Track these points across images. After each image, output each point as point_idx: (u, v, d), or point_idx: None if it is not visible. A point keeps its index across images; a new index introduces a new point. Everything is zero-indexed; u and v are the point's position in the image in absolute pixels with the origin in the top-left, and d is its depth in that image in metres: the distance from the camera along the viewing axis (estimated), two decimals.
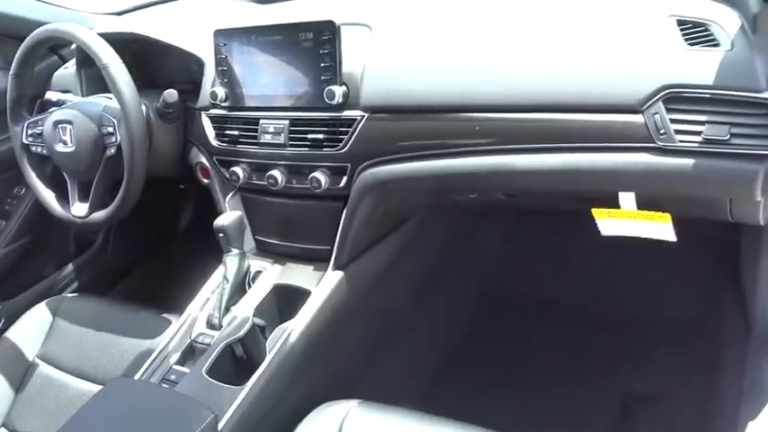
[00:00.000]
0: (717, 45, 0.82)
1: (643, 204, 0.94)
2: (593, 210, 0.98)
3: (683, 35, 0.85)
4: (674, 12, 0.87)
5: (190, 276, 1.32)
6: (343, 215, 1.13)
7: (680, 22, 0.86)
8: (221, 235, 1.18)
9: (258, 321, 1.13)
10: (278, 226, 1.24)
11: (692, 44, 0.84)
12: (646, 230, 0.96)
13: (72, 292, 1.60)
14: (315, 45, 1.07)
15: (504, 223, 1.49)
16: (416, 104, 1.02)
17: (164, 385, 1.05)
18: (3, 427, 1.24)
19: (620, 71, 0.86)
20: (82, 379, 1.24)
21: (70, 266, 1.69)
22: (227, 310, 1.16)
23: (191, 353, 1.12)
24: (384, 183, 1.07)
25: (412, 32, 1.07)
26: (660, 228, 0.95)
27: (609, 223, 0.98)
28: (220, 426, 0.94)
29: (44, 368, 1.29)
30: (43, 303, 1.41)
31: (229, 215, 1.20)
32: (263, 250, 1.27)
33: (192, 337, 1.14)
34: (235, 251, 1.19)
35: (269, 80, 1.15)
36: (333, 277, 1.15)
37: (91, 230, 1.68)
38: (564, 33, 0.94)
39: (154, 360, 1.12)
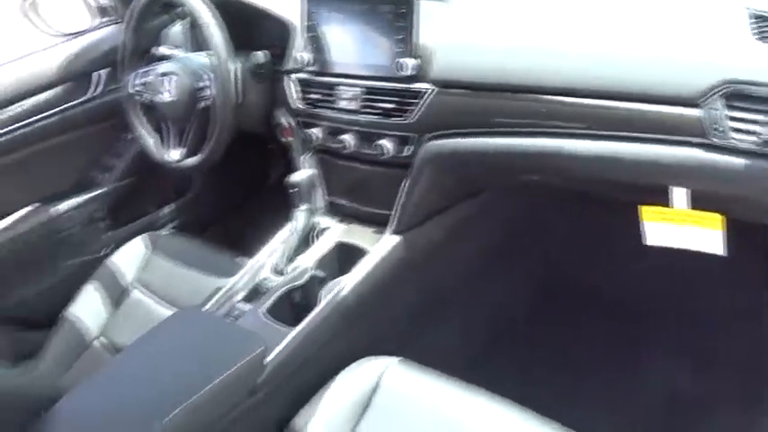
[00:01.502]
0: None
1: (695, 203, 0.92)
2: (642, 208, 0.97)
3: (755, 28, 0.82)
4: (750, 4, 0.84)
5: (269, 228, 1.43)
6: (406, 183, 1.19)
7: (754, 16, 0.83)
8: (294, 190, 1.28)
9: (318, 273, 1.22)
10: (346, 188, 1.32)
11: (763, 39, 0.81)
12: (694, 241, 0.94)
13: (168, 231, 1.76)
14: (392, 17, 1.12)
15: (568, 211, 1.48)
16: (485, 82, 1.05)
17: (226, 319, 1.17)
18: (102, 336, 1.42)
19: (682, 61, 0.85)
20: (167, 303, 1.39)
21: (168, 208, 1.86)
22: (292, 259, 1.26)
23: (255, 293, 1.23)
24: (446, 155, 1.12)
25: (485, 9, 1.10)
26: (710, 237, 0.92)
27: (656, 228, 0.97)
28: (267, 359, 1.04)
29: (137, 292, 1.46)
30: (144, 236, 1.58)
31: (303, 173, 1.29)
32: (332, 210, 1.36)
33: (258, 280, 1.25)
34: (304, 206, 1.29)
35: (350, 48, 1.22)
36: (390, 241, 1.21)
37: (186, 174, 1.84)
38: (633, 19, 0.93)
39: (222, 296, 1.24)
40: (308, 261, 1.24)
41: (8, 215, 1.62)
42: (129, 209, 1.79)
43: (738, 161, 0.81)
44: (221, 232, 1.84)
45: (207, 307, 1.22)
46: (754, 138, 0.79)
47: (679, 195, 0.91)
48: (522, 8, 1.07)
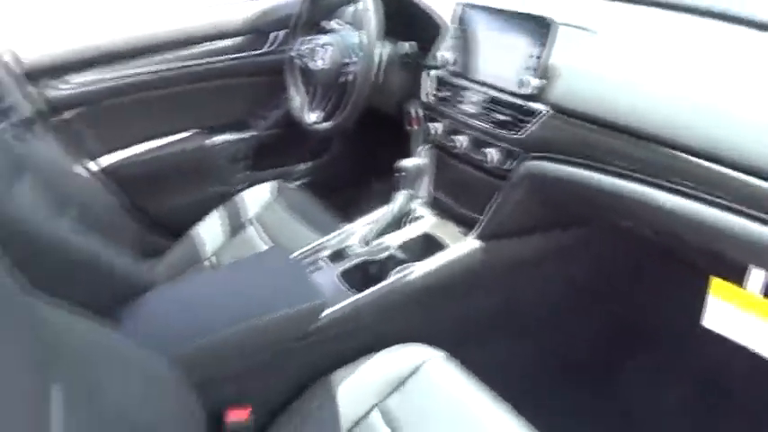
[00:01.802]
0: None
1: None
2: (713, 279, 0.92)
3: None
4: None
5: (377, 204, 1.53)
6: (500, 193, 1.22)
7: None
8: (401, 174, 1.36)
9: (397, 253, 1.30)
10: (449, 185, 1.38)
11: None
12: (748, 333, 0.88)
13: (295, 185, 1.93)
14: (531, 35, 1.16)
15: (660, 265, 1.41)
16: (602, 117, 1.05)
17: (304, 269, 1.29)
18: (213, 257, 1.60)
19: None
20: (270, 243, 1.54)
21: (303, 165, 2.04)
22: (380, 235, 1.35)
23: (338, 256, 1.34)
24: (545, 177, 1.14)
25: (630, 48, 1.09)
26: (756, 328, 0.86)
27: (718, 306, 0.91)
28: (324, 313, 1.14)
29: (252, 229, 1.63)
30: (273, 183, 1.75)
31: (413, 160, 1.37)
32: (431, 202, 1.43)
33: (344, 245, 1.35)
34: (405, 191, 1.37)
35: (486, 57, 1.27)
36: (471, 243, 1.26)
37: (324, 139, 1.99)
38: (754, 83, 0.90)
39: (310, 249, 1.36)
40: (392, 241, 1.33)
41: (172, 135, 1.88)
42: (268, 157, 1.99)
43: None
44: (339, 197, 1.97)
45: (294, 254, 1.34)
46: None
47: (756, 277, 0.87)
48: (666, 56, 1.05)
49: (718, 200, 0.87)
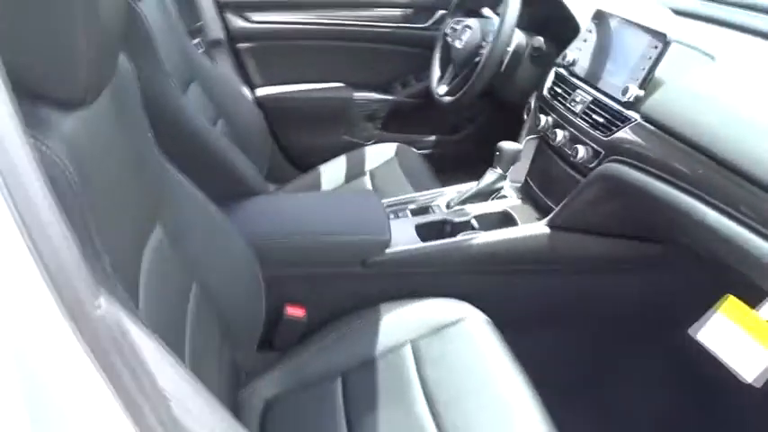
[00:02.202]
0: None
1: None
2: (729, 298, 0.93)
3: None
4: None
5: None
6: (577, 188, 1.29)
7: None
8: (497, 153, 1.47)
9: (474, 221, 1.41)
10: (540, 174, 1.46)
11: None
12: (732, 356, 0.88)
13: (416, 150, 2.08)
14: (646, 48, 1.21)
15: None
16: (685, 135, 1.08)
17: (389, 213, 1.44)
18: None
19: None
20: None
21: (428, 137, 2.20)
22: (464, 203, 1.47)
23: (421, 210, 1.48)
24: (618, 179, 1.19)
25: (742, 79, 1.11)
26: (753, 359, 0.86)
27: (717, 323, 0.92)
28: (387, 251, 1.29)
29: (365, 178, 1.82)
30: (397, 144, 1.92)
31: (512, 144, 1.47)
32: (520, 187, 1.52)
33: (429, 204, 1.49)
34: (498, 170, 1.47)
35: (604, 62, 1.33)
36: (538, 228, 1.34)
37: (448, 112, 2.11)
38: None
39: (401, 200, 1.51)
40: (473, 210, 1.44)
41: (323, 83, 2.12)
42: (401, 122, 2.17)
43: None
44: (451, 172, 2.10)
45: (385, 201, 1.50)
46: None
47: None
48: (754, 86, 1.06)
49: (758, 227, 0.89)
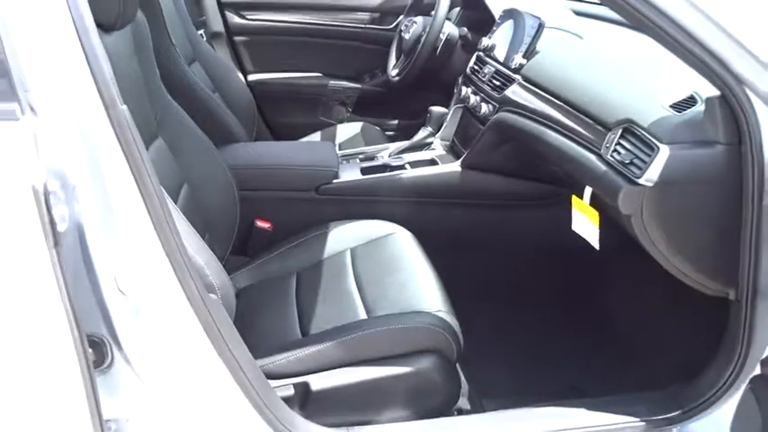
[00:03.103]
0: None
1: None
2: (574, 198, 1.31)
3: (674, 104, 1.15)
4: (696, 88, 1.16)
5: None
6: (480, 134, 1.70)
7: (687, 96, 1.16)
8: (428, 115, 1.89)
9: (407, 165, 1.81)
10: (461, 132, 1.88)
11: (673, 108, 1.14)
12: (585, 229, 1.27)
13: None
14: (529, 30, 1.64)
15: None
16: (548, 88, 1.49)
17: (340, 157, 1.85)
18: None
19: (616, 101, 1.24)
20: None
21: (389, 120, 2.63)
22: (402, 153, 1.89)
23: (368, 158, 1.90)
24: (505, 123, 1.60)
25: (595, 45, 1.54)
26: (590, 229, 1.26)
27: (576, 217, 1.32)
28: (335, 181, 1.71)
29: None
30: (361, 123, 2.35)
31: (441, 108, 1.89)
32: (448, 144, 1.93)
33: (374, 154, 1.91)
34: (429, 128, 1.89)
35: (503, 42, 1.77)
36: (452, 167, 1.75)
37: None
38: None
39: (351, 153, 1.93)
40: (408, 157, 1.85)
41: (304, 72, 2.56)
42: (367, 107, 2.59)
43: (604, 168, 1.17)
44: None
45: (340, 152, 1.91)
46: (618, 156, 1.15)
47: (587, 192, 1.27)
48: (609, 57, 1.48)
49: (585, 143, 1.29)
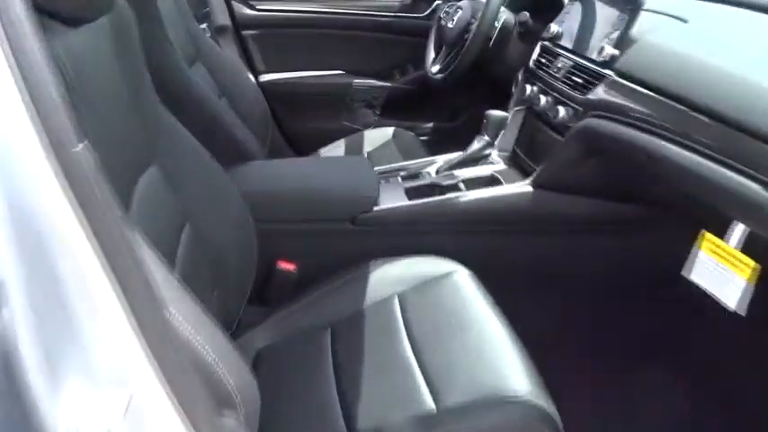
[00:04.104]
0: None
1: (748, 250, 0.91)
2: (705, 234, 0.97)
3: None
4: None
5: None
6: (558, 147, 1.34)
7: None
8: (484, 121, 1.53)
9: (461, 185, 1.46)
10: (526, 141, 1.52)
11: None
12: (718, 283, 0.91)
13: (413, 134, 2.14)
14: (620, 14, 1.28)
15: None
16: (660, 86, 1.13)
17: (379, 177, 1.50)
18: None
19: None
20: None
21: (426, 123, 2.27)
22: (452, 168, 1.53)
23: (412, 176, 1.55)
24: (595, 133, 1.24)
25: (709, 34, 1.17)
26: (731, 287, 0.90)
27: (701, 262, 0.96)
28: (377, 208, 1.35)
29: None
30: (393, 128, 2.00)
31: (499, 112, 1.53)
32: (508, 155, 1.57)
33: (420, 170, 1.55)
34: (485, 137, 1.53)
35: (582, 29, 1.40)
36: (522, 187, 1.39)
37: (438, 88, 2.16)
38: None
39: (392, 168, 1.58)
40: (461, 174, 1.50)
41: (325, 70, 2.20)
42: (398, 109, 2.24)
43: None
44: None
45: (377, 168, 1.56)
46: None
47: (736, 232, 0.92)
48: (734, 40, 1.11)
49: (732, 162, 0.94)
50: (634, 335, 1.45)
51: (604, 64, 1.26)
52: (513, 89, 1.66)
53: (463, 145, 1.75)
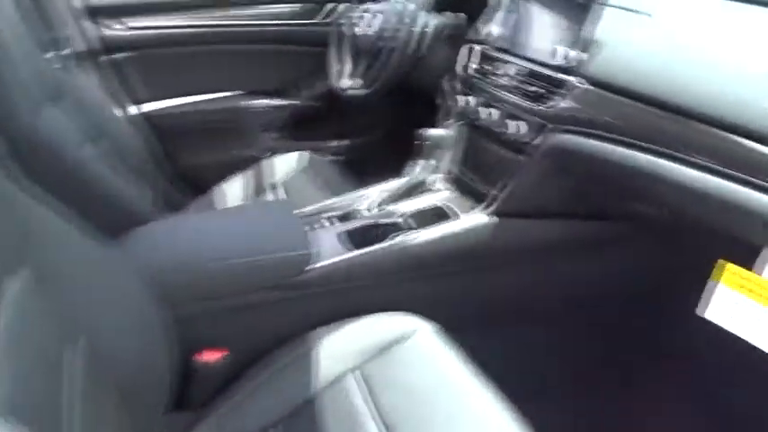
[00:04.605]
0: None
1: None
2: (726, 265, 0.81)
3: None
4: None
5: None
6: (521, 169, 1.14)
7: None
8: (420, 143, 1.30)
9: (405, 221, 1.22)
10: (472, 161, 1.30)
11: None
12: (745, 328, 0.76)
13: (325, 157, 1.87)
14: (572, 11, 1.09)
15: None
16: (646, 94, 0.96)
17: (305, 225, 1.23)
18: None
19: None
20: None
21: (336, 142, 2.01)
22: (391, 202, 1.29)
23: (346, 218, 1.29)
24: (569, 151, 1.05)
25: (682, 28, 1.00)
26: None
27: (720, 295, 0.80)
28: (313, 266, 1.09)
29: (274, 192, 1.60)
30: (302, 153, 1.72)
31: (437, 131, 1.31)
32: (452, 177, 1.35)
33: (352, 209, 1.30)
34: (423, 162, 1.30)
35: (529, 30, 1.21)
36: (481, 218, 1.17)
37: (364, 115, 1.94)
38: None
39: (319, 209, 1.31)
40: (402, 208, 1.26)
41: (214, 92, 1.88)
42: (304, 129, 1.96)
43: None
44: (368, 168, 1.92)
45: (301, 210, 1.29)
46: None
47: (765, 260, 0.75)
48: (715, 35, 0.96)
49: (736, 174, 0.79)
50: (618, 358, 1.29)
51: (569, 70, 1.07)
52: (439, 101, 1.44)
53: (383, 162, 1.52)
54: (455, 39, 1.43)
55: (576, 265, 1.25)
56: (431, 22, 1.41)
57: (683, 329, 1.23)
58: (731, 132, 0.82)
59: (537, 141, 1.11)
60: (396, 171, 1.39)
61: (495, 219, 1.17)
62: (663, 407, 1.32)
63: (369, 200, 1.32)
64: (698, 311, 0.86)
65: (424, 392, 0.94)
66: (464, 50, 1.34)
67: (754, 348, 0.77)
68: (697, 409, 1.31)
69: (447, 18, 1.43)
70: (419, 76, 1.49)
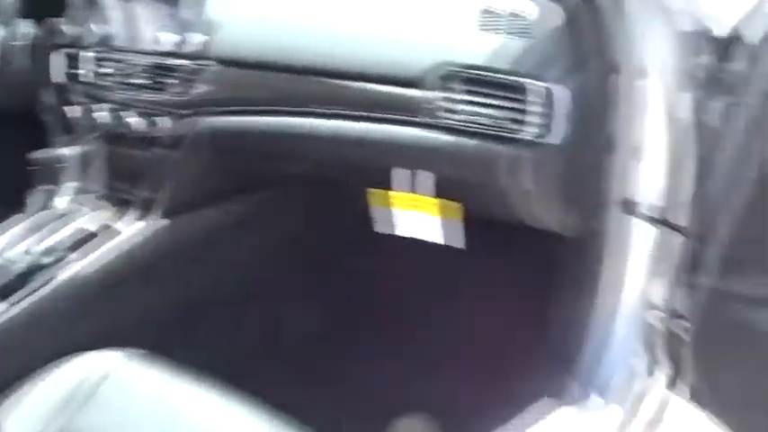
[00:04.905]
0: (507, 33, 0.86)
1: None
2: (371, 192, 0.98)
3: (481, 21, 0.89)
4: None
5: None
6: (177, 162, 1.11)
7: (482, 10, 0.90)
8: (37, 168, 1.15)
9: (46, 259, 1.06)
10: (120, 172, 1.20)
11: (485, 30, 0.88)
12: (416, 228, 0.95)
13: None
14: None
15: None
16: (265, 61, 1.02)
17: None
18: None
19: (406, 43, 0.91)
20: None
21: None
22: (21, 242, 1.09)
23: None
24: (212, 133, 1.07)
25: None
26: (428, 224, 0.94)
27: (383, 214, 0.98)
28: None
29: None
30: None
31: (46, 151, 1.19)
32: (102, 194, 1.22)
33: None
34: (45, 187, 1.16)
35: (138, 21, 1.13)
36: (152, 225, 1.11)
37: None
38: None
39: None
40: (51, 244, 1.08)
41: None
42: None
43: (445, 138, 0.85)
44: None
45: None
46: (458, 116, 0.83)
47: (401, 178, 0.93)
48: None
49: (361, 113, 0.93)
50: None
51: (195, 56, 1.06)
52: (48, 117, 1.27)
53: None
54: (42, 47, 1.26)
55: (264, 238, 1.28)
56: (17, 32, 1.22)
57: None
58: (347, 79, 0.94)
59: (183, 132, 1.09)
60: (16, 206, 1.18)
61: (165, 221, 1.11)
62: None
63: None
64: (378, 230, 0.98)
65: (148, 426, 0.85)
66: (59, 57, 1.21)
67: None
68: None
69: (16, 26, 1.25)
70: (9, 97, 1.27)
